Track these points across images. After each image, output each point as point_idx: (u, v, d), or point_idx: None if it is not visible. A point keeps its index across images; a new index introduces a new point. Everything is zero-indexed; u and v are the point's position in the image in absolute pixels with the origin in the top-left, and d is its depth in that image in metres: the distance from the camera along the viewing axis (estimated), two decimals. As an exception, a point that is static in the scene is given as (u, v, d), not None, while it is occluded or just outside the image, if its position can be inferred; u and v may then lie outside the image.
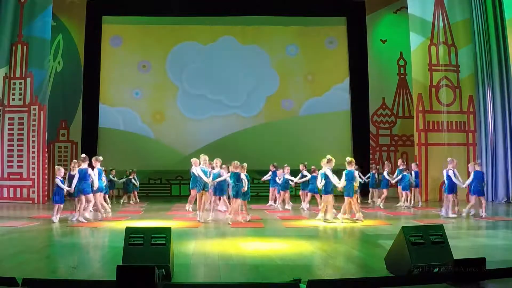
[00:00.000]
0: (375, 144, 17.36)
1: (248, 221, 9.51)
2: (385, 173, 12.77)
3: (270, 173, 13.29)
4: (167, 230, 4.85)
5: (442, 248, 4.71)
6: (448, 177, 10.20)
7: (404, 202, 12.35)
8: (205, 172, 9.71)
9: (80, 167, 9.60)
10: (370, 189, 14.14)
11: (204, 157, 9.93)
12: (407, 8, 14.82)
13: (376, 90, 17.34)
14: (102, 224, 9.11)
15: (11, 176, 14.02)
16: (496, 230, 8.31)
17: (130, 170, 14.45)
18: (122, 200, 14.10)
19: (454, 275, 4.39)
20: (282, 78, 17.94)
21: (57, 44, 16.64)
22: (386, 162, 13.92)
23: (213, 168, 10.29)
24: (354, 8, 17.61)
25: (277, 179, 12.75)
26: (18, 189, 13.96)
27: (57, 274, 4.94)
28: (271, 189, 13.31)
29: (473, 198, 10.03)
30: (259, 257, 5.86)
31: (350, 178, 9.38)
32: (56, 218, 9.21)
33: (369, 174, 14.26)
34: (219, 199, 11.33)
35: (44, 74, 14.41)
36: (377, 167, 14.54)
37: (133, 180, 14.20)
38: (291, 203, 12.57)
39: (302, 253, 6.19)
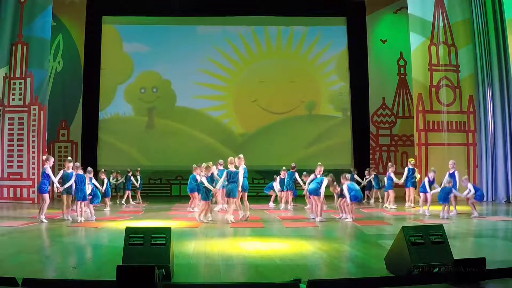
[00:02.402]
0: (375, 144, 17.36)
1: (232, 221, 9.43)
2: (391, 174, 12.57)
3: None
4: (167, 230, 4.85)
5: (442, 248, 4.71)
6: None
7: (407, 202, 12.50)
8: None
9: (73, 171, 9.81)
10: (374, 191, 14.17)
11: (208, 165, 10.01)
12: (407, 8, 14.80)
13: (376, 90, 17.33)
14: (102, 224, 9.12)
15: (11, 176, 14.01)
16: (496, 230, 8.31)
17: (129, 169, 14.43)
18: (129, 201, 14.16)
19: (454, 275, 4.39)
20: (282, 78, 17.94)
21: (57, 44, 16.64)
22: (390, 163, 13.78)
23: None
24: (354, 8, 17.59)
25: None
26: (18, 189, 13.95)
27: (57, 274, 4.94)
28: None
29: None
30: (259, 257, 5.86)
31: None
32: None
33: (370, 177, 14.28)
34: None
35: (44, 74, 14.40)
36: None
37: (112, 181, 13.87)
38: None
39: (302, 253, 6.19)
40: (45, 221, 9.27)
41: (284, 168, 12.88)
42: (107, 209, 11.86)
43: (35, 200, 13.77)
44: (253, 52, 17.94)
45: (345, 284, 4.56)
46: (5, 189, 13.95)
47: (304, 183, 11.29)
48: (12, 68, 14.24)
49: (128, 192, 13.96)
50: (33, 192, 13.83)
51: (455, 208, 10.43)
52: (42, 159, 10.12)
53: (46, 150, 14.20)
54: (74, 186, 9.74)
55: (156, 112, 17.70)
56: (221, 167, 11.76)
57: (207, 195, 9.60)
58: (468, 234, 7.85)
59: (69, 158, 10.63)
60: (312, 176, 10.26)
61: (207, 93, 17.69)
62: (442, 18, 14.55)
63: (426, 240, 4.70)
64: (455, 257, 4.59)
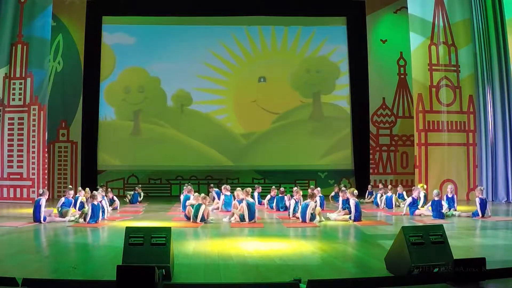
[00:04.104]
0: (375, 144, 17.36)
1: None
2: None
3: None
4: (167, 230, 4.85)
5: (442, 248, 4.71)
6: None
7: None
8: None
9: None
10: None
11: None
12: (407, 8, 14.81)
13: (376, 90, 17.33)
14: (102, 224, 9.11)
15: (11, 176, 14.00)
16: (496, 230, 8.31)
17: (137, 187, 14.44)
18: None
19: (454, 275, 4.39)
20: (282, 78, 17.93)
21: (57, 44, 16.64)
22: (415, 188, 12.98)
23: None
24: (354, 8, 17.60)
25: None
26: (18, 189, 13.95)
27: (57, 274, 4.94)
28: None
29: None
30: (259, 257, 5.86)
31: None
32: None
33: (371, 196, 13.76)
34: None
35: (44, 74, 14.39)
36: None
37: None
38: None
39: (302, 253, 6.19)
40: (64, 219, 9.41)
41: (273, 187, 12.81)
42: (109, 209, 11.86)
43: (35, 200, 13.78)
44: (252, 52, 17.92)
45: (345, 284, 4.56)
46: (5, 189, 13.94)
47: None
48: (12, 68, 14.23)
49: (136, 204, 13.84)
50: (33, 192, 13.83)
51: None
52: (39, 192, 10.41)
53: (46, 150, 14.21)
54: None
55: (156, 111, 17.66)
56: (228, 193, 11.87)
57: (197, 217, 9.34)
58: (468, 234, 7.85)
59: (70, 186, 10.76)
60: (293, 201, 10.05)
61: (208, 93, 17.67)
62: (442, 18, 14.55)
63: (426, 240, 4.70)
64: (455, 257, 4.59)
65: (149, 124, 17.51)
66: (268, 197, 12.60)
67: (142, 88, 17.58)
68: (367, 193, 14.31)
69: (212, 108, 17.71)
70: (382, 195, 12.63)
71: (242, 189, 10.07)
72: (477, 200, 9.87)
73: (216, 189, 13.58)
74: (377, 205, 12.47)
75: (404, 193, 12.83)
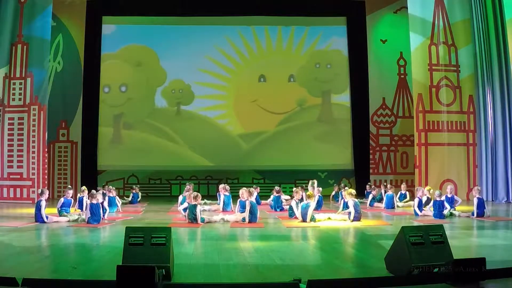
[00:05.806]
0: (375, 144, 17.37)
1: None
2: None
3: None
4: (167, 230, 4.86)
5: (442, 248, 4.71)
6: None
7: None
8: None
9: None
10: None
11: None
12: (407, 8, 14.81)
13: (376, 90, 17.33)
14: (102, 224, 9.11)
15: (11, 176, 14.00)
16: (496, 230, 8.31)
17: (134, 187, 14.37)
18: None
19: (454, 275, 4.39)
20: (282, 78, 17.93)
21: (57, 44, 16.63)
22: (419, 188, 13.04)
23: None
24: (354, 8, 17.60)
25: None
26: (18, 189, 13.95)
27: (57, 274, 4.94)
28: None
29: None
30: (259, 257, 5.86)
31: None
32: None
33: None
34: None
35: (44, 74, 14.39)
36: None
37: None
38: None
39: (302, 253, 6.19)
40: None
41: (275, 187, 12.60)
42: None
43: (35, 200, 13.76)
44: (252, 52, 17.91)
45: (345, 284, 4.56)
46: (5, 189, 13.94)
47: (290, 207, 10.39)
48: (12, 68, 14.22)
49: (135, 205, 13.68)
50: (33, 192, 13.83)
51: None
52: (38, 193, 10.30)
53: (46, 150, 14.21)
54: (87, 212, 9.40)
55: (156, 111, 17.67)
56: (227, 193, 11.81)
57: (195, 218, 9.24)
58: (468, 234, 7.85)
59: (69, 186, 10.75)
60: (294, 202, 9.92)
61: (208, 93, 17.65)
62: (442, 18, 14.55)
63: (426, 240, 4.70)
64: (455, 257, 4.59)
65: (149, 124, 17.50)
66: (271, 197, 12.59)
67: (139, 88, 17.57)
68: (365, 193, 14.28)
69: (212, 109, 17.69)
70: (374, 197, 12.82)
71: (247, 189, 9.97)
72: (475, 200, 9.87)
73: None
74: (372, 205, 12.60)
75: (407, 193, 12.88)
